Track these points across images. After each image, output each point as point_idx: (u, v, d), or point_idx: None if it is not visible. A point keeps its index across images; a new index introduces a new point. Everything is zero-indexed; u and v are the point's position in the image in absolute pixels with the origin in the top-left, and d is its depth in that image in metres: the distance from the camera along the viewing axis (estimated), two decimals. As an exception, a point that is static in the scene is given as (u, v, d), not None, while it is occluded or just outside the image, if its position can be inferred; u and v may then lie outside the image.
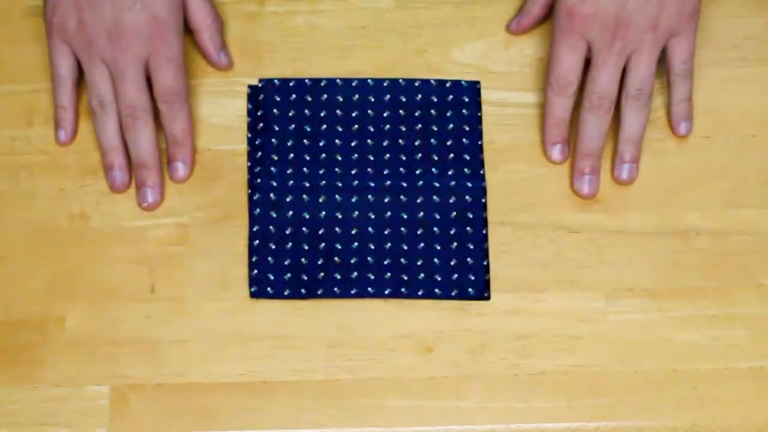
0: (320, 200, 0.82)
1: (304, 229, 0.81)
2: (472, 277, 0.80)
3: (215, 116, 0.85)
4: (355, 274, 0.80)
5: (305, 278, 0.80)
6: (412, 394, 0.78)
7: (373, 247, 0.81)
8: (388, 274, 0.80)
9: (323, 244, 0.81)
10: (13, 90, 0.86)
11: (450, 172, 0.83)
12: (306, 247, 0.81)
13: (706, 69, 0.87)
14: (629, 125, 0.83)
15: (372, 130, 0.84)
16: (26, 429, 0.77)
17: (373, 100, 0.85)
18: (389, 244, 0.81)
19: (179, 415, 0.77)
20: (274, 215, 0.82)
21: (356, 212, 0.82)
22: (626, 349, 0.79)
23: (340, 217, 0.82)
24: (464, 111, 0.85)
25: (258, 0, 0.88)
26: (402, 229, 0.81)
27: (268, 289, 0.80)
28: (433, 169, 0.83)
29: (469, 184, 0.83)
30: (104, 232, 0.81)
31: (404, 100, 0.85)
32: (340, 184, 0.82)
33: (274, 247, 0.81)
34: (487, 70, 0.87)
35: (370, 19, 0.88)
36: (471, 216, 0.82)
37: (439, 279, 0.80)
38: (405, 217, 0.82)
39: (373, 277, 0.80)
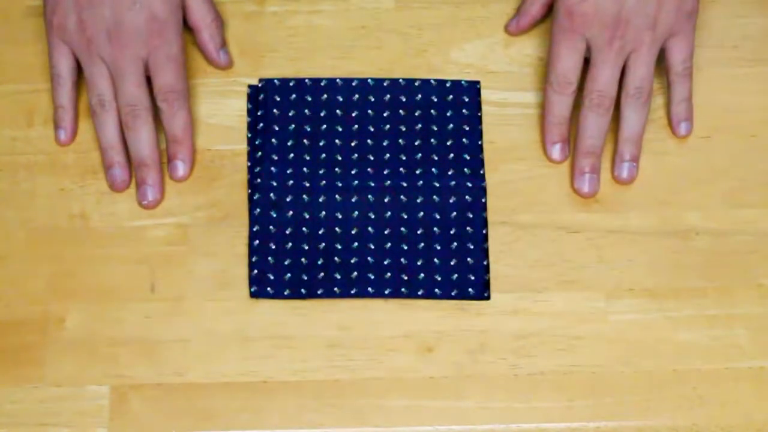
0: (320, 200, 0.82)
1: (304, 229, 0.81)
2: (472, 277, 0.80)
3: (215, 116, 0.85)
4: (355, 274, 0.80)
5: (305, 278, 0.80)
6: (411, 394, 0.78)
7: (373, 247, 0.81)
8: (388, 274, 0.80)
9: (323, 244, 0.81)
10: (13, 90, 0.86)
11: (450, 172, 0.83)
12: (306, 247, 0.81)
13: (706, 69, 0.87)
14: (629, 124, 0.83)
15: (372, 130, 0.84)
16: (26, 429, 0.77)
17: (373, 100, 0.85)
18: (389, 244, 0.81)
19: (179, 415, 0.77)
20: (274, 215, 0.82)
21: (356, 212, 0.82)
22: (626, 349, 0.79)
23: (340, 217, 0.82)
24: (464, 111, 0.85)
25: (258, 0, 0.88)
26: (402, 229, 0.81)
27: (268, 289, 0.80)
28: (433, 169, 0.83)
29: (469, 184, 0.83)
30: (104, 232, 0.81)
31: (404, 100, 0.85)
32: (340, 184, 0.82)
33: (274, 247, 0.81)
34: (487, 70, 0.87)
35: (370, 19, 0.88)
36: (471, 216, 0.82)
37: (439, 279, 0.80)
38: (405, 217, 0.82)
39: (373, 277, 0.80)
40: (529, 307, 0.80)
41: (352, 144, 0.84)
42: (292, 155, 0.83)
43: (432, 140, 0.84)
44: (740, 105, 0.86)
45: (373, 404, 0.78)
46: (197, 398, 0.77)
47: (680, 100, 0.84)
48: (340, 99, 0.85)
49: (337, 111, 0.85)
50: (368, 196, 0.82)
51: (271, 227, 0.81)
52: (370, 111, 0.85)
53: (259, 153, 0.83)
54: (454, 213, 0.82)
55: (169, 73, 0.81)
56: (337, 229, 0.81)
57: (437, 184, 0.83)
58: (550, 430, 0.77)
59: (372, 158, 0.83)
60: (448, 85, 0.86)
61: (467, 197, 0.82)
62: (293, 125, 0.84)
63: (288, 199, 0.82)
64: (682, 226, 0.82)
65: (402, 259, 0.81)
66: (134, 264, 0.80)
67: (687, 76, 0.84)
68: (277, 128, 0.84)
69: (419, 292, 0.80)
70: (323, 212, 0.82)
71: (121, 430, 0.77)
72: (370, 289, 0.80)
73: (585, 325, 0.79)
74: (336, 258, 0.81)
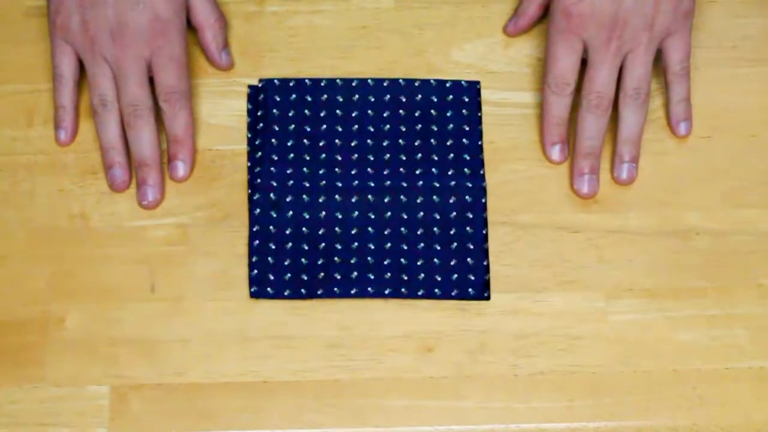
0: (320, 200, 0.82)
1: (304, 229, 0.81)
2: (472, 277, 0.80)
3: (215, 116, 0.85)
4: (355, 274, 0.80)
5: (305, 278, 0.80)
6: (411, 394, 0.78)
7: (373, 247, 0.81)
8: (388, 274, 0.80)
9: (323, 244, 0.81)
10: (13, 90, 0.86)
11: (450, 172, 0.83)
12: (306, 247, 0.81)
13: (706, 69, 0.87)
14: (628, 125, 0.83)
15: (372, 130, 0.84)
16: (26, 429, 0.77)
17: (373, 100, 0.85)
18: (389, 244, 0.81)
19: (179, 415, 0.77)
20: (274, 215, 0.82)
21: (356, 212, 0.82)
22: (626, 349, 0.79)
23: (340, 217, 0.82)
24: (464, 111, 0.85)
25: (258, 0, 0.89)
26: (402, 229, 0.81)
27: (268, 289, 0.80)
28: (433, 169, 0.83)
29: (469, 184, 0.83)
30: (104, 232, 0.81)
31: (404, 100, 0.85)
32: (340, 184, 0.82)
33: (274, 247, 0.81)
34: (487, 70, 0.87)
35: (370, 19, 0.88)
36: (471, 216, 0.82)
37: (439, 279, 0.80)
38: (405, 217, 0.82)
39: (373, 277, 0.80)
40: (529, 307, 0.80)
41: (352, 144, 0.84)
42: (292, 155, 0.83)
43: (432, 140, 0.84)
44: (740, 105, 0.86)
45: (373, 404, 0.78)
46: (197, 398, 0.77)
47: (679, 100, 0.84)
48: (340, 99, 0.85)
49: (337, 111, 0.85)
50: (368, 196, 0.82)
51: (271, 227, 0.81)
52: (370, 111, 0.85)
53: (259, 153, 0.83)
54: (454, 213, 0.82)
55: (171, 73, 0.81)
56: (337, 229, 0.81)
57: (437, 185, 0.83)
58: (550, 430, 0.77)
59: (372, 158, 0.83)
60: (448, 85, 0.86)
61: (467, 197, 0.82)
62: (293, 125, 0.84)
63: (288, 199, 0.82)
64: (682, 226, 0.82)
65: (402, 260, 0.81)
66: (134, 264, 0.80)
67: (685, 76, 0.84)
68: (277, 128, 0.84)
69: (419, 293, 0.80)
70: (323, 212, 0.82)
71: (121, 430, 0.77)
72: (370, 289, 0.80)
73: (585, 325, 0.79)
74: (336, 258, 0.81)
